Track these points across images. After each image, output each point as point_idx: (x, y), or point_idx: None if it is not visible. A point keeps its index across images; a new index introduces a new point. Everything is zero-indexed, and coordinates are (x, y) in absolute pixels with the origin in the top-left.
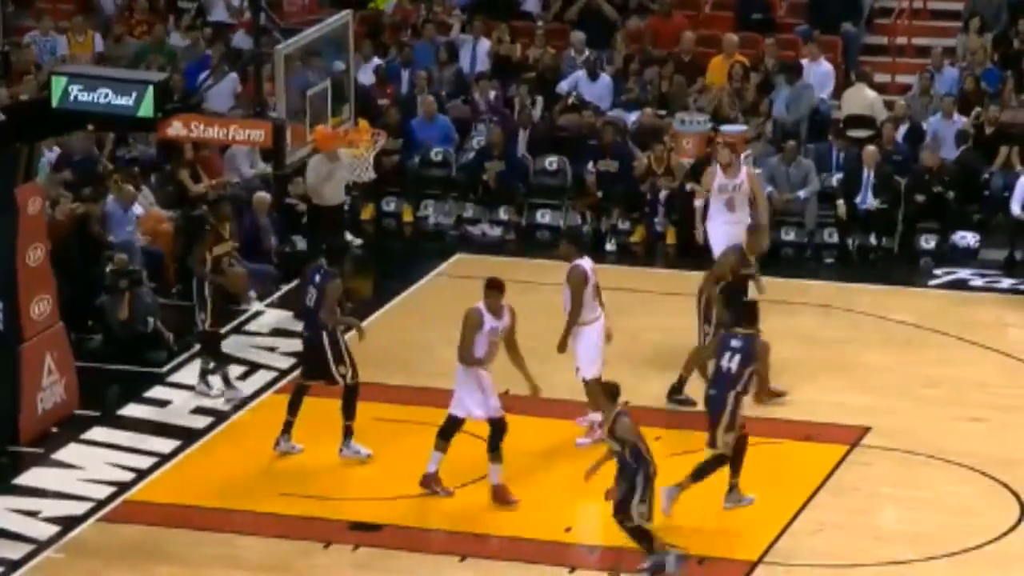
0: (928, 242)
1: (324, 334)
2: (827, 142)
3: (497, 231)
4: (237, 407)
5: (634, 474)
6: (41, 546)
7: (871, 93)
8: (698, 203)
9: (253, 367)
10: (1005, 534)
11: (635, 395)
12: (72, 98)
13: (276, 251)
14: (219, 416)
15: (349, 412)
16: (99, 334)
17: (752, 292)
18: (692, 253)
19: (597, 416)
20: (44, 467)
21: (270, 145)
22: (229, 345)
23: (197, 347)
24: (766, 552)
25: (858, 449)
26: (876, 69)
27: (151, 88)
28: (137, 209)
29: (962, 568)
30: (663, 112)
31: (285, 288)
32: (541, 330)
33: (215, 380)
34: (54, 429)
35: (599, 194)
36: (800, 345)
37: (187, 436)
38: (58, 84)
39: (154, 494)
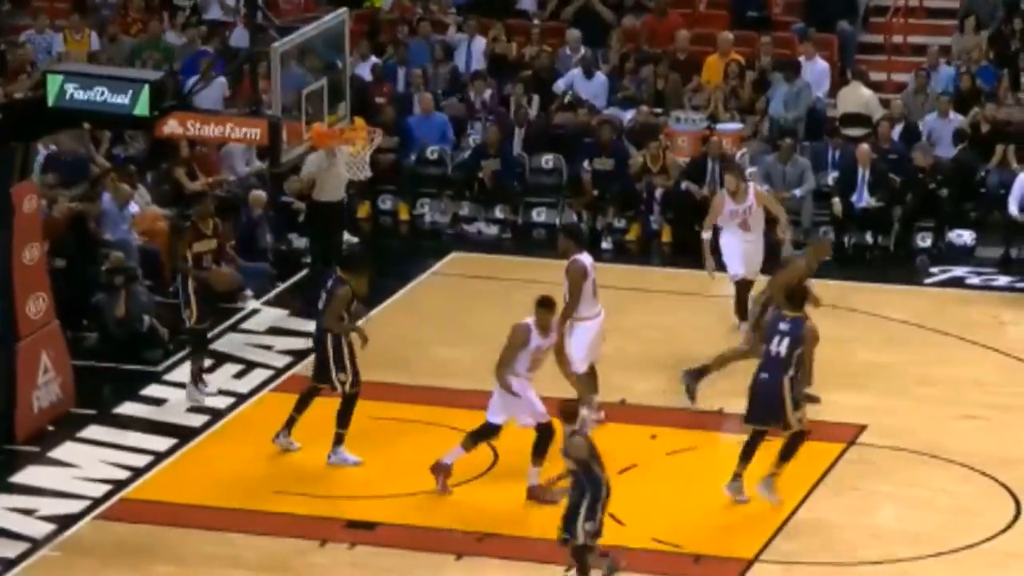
0: (924, 240)
1: (328, 338)
2: (823, 141)
3: (493, 229)
4: (232, 407)
5: (580, 495)
6: (37, 544)
7: (867, 91)
8: (706, 236)
9: (249, 365)
10: (1002, 532)
11: (631, 393)
12: (68, 96)
13: (272, 249)
14: (215, 414)
15: (343, 420)
16: (95, 332)
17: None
18: (688, 251)
19: (586, 411)
20: (40, 465)
21: (266, 143)
22: (225, 343)
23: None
24: (763, 550)
25: (855, 447)
26: (872, 67)
27: (147, 87)
28: (133, 207)
29: (959, 566)
30: (659, 110)
31: (281, 286)
32: None
33: (209, 378)
34: (50, 427)
35: (595, 192)
36: None
37: (183, 434)
38: (54, 83)
39: (150, 492)
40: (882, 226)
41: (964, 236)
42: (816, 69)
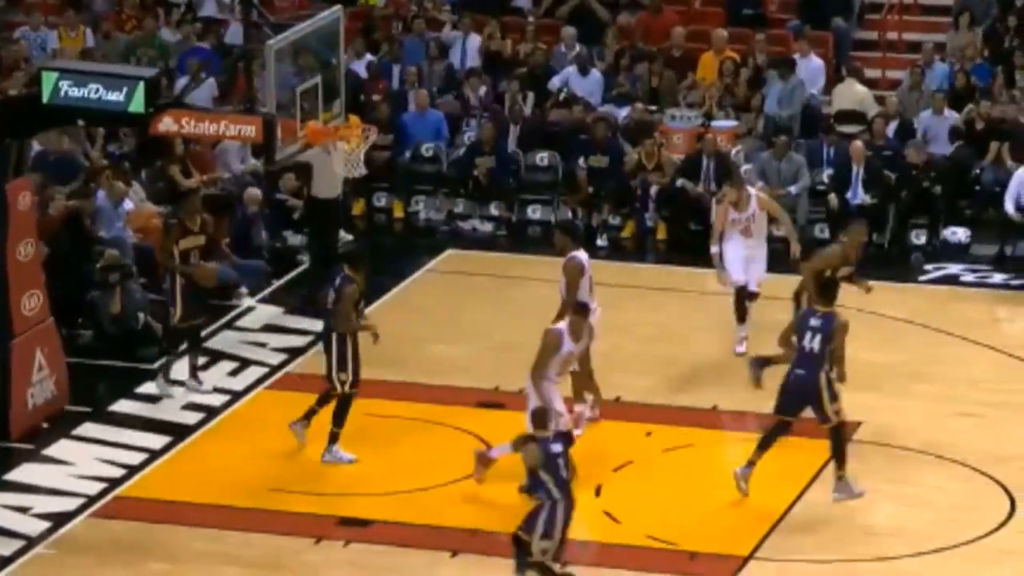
0: (919, 238)
1: (333, 336)
2: (818, 138)
3: (488, 227)
4: (227, 405)
5: (538, 509)
6: (32, 542)
7: (862, 89)
8: (715, 250)
9: (244, 363)
10: (996, 530)
11: (625, 391)
12: (63, 94)
13: (267, 247)
14: (210, 412)
15: (340, 419)
16: (90, 330)
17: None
18: (682, 248)
19: (583, 407)
20: (35, 463)
21: (261, 140)
22: (220, 341)
23: (185, 344)
24: (757, 547)
25: (849, 445)
26: (867, 65)
27: (142, 84)
28: (128, 205)
29: (953, 563)
30: (653, 108)
31: (276, 284)
32: (532, 326)
33: (205, 376)
34: (45, 425)
35: (590, 190)
36: None
37: (178, 432)
38: (49, 80)
39: (145, 490)
40: (877, 223)
41: (959, 233)
42: (811, 66)
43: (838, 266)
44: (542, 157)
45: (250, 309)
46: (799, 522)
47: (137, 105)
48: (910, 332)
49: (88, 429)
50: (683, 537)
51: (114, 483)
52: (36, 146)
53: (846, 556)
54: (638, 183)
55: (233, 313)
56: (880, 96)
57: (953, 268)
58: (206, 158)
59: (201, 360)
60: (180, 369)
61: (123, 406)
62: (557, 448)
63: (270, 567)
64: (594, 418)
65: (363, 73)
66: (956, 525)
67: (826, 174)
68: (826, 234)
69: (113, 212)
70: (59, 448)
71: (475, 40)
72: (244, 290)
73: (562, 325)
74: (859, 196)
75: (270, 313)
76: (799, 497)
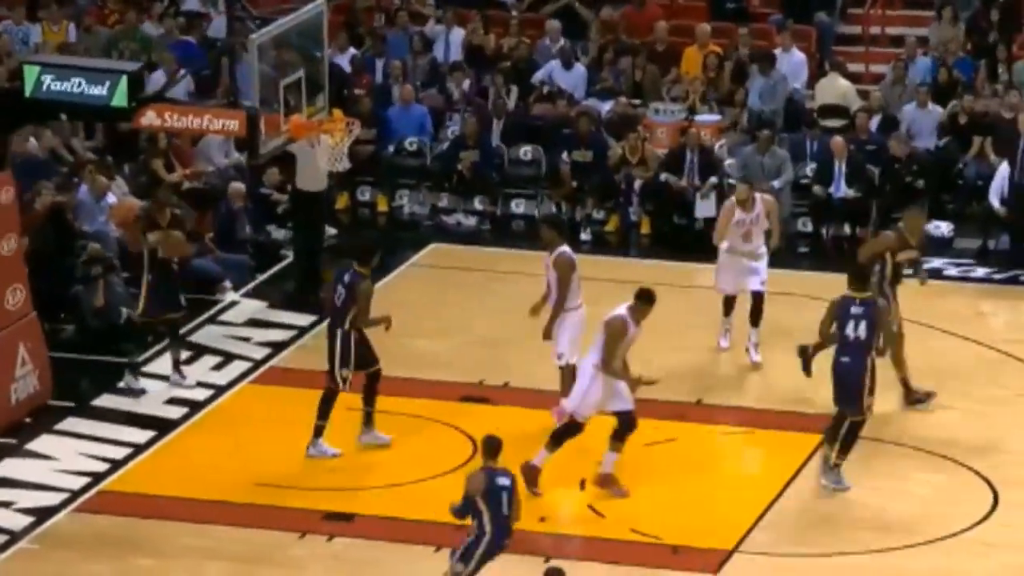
0: None
1: (339, 333)
2: (801, 132)
3: (472, 221)
4: (210, 399)
5: (470, 539)
6: (15, 537)
7: (845, 83)
8: (723, 246)
9: (228, 357)
10: (979, 522)
11: None
12: (45, 88)
13: (251, 241)
14: (194, 406)
15: (324, 412)
16: (72, 324)
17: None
18: (666, 242)
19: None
20: (18, 458)
21: (244, 135)
22: (203, 335)
23: (167, 339)
24: (741, 541)
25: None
26: (850, 59)
27: (125, 78)
28: (110, 199)
29: (936, 556)
30: (637, 102)
31: (260, 278)
32: (517, 320)
33: (189, 370)
34: (28, 419)
35: (574, 184)
36: (774, 334)
37: (162, 426)
38: (31, 73)
39: (129, 484)
40: (860, 217)
41: (942, 227)
42: (793, 60)
43: (895, 250)
44: (526, 151)
45: (234, 303)
46: (782, 516)
47: (120, 99)
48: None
49: (71, 423)
50: (667, 531)
51: (98, 478)
52: None
53: (830, 550)
54: (622, 177)
55: (217, 307)
56: (863, 90)
57: (936, 262)
58: (186, 152)
59: (185, 355)
60: (161, 364)
61: (106, 400)
62: (504, 482)
63: (255, 562)
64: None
65: (347, 67)
66: (940, 518)
67: (809, 168)
68: (809, 228)
69: (95, 206)
70: (42, 443)
71: (459, 34)
72: (228, 284)
73: (623, 311)
74: (842, 190)
75: (254, 307)
76: (783, 491)
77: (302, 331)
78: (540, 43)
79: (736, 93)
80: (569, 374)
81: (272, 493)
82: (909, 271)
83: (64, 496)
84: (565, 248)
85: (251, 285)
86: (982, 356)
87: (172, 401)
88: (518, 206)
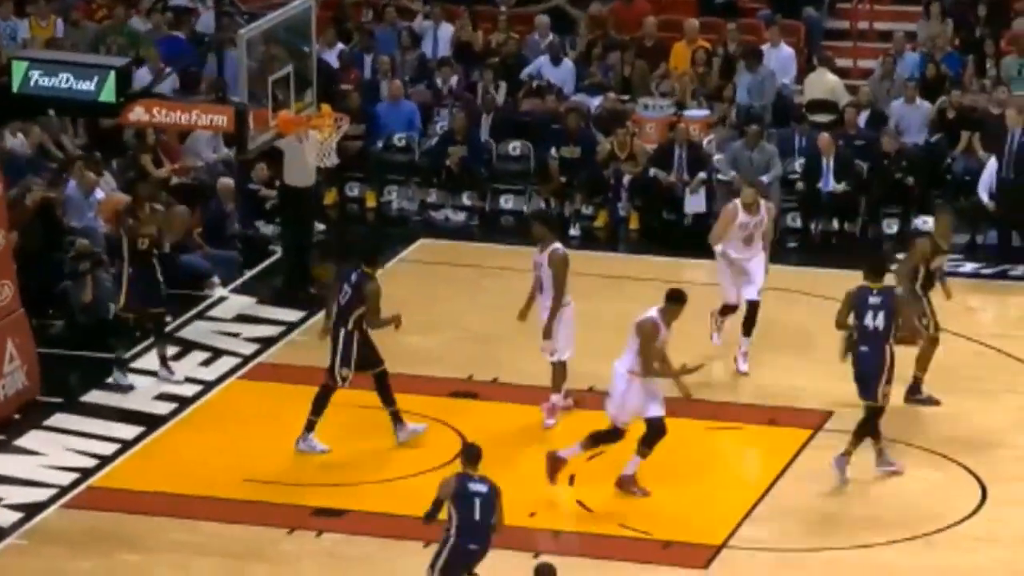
0: (891, 227)
1: (342, 333)
2: (790, 127)
3: (461, 216)
4: (199, 395)
5: (441, 542)
6: (3, 532)
7: (833, 78)
8: (719, 248)
9: (216, 353)
10: (967, 517)
11: (597, 380)
12: (33, 83)
13: (240, 236)
14: (182, 402)
15: (317, 408)
16: (61, 320)
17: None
18: (655, 238)
19: (557, 397)
20: (6, 454)
21: (233, 130)
22: (192, 331)
23: (152, 336)
24: (730, 536)
25: (821, 433)
26: (838, 54)
27: (113, 73)
28: (99, 194)
29: (925, 551)
30: (626, 97)
31: (249, 274)
32: (506, 316)
33: (177, 366)
34: (16, 415)
35: (562, 179)
36: (762, 329)
37: (150, 422)
38: (19, 69)
39: (118, 480)
40: (849, 212)
41: (930, 223)
42: (781, 55)
43: (930, 257)
44: (514, 147)
45: (222, 299)
46: (771, 511)
47: (108, 95)
48: None
49: (60, 419)
50: (656, 526)
51: (86, 473)
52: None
53: (819, 545)
54: (611, 173)
55: (205, 303)
56: (851, 85)
57: None
58: (173, 148)
59: (173, 350)
60: (149, 360)
61: (95, 396)
62: (478, 488)
63: (244, 557)
64: (568, 407)
65: (335, 62)
66: (928, 513)
67: (798, 163)
68: (797, 223)
69: (84, 202)
70: (31, 438)
71: (447, 30)
72: (216, 280)
73: (654, 313)
74: (830, 185)
75: (242, 303)
76: (771, 486)
77: (291, 327)
78: (529, 38)
79: (724, 88)
80: (560, 370)
81: (261, 489)
82: (941, 279)
83: (52, 492)
84: (558, 245)
85: (240, 281)
86: (970, 351)
87: (161, 397)
88: (507, 202)
